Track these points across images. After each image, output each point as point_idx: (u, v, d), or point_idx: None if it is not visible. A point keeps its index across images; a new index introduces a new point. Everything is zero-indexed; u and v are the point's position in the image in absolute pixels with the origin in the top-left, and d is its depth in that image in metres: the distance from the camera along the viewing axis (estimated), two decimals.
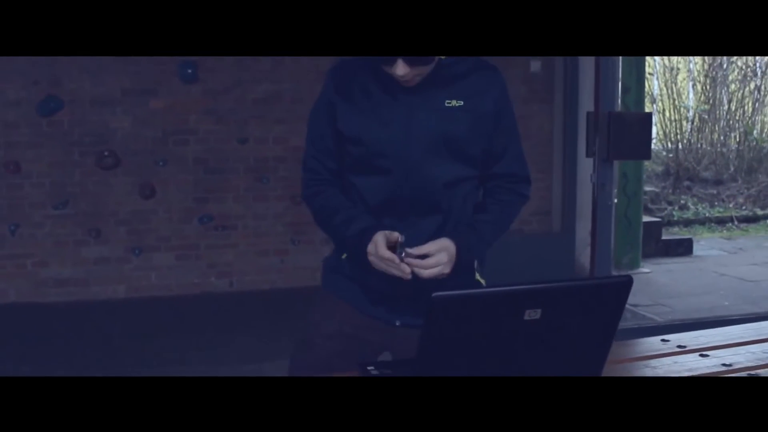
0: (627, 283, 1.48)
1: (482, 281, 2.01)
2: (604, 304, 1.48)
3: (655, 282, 6.41)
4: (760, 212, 9.35)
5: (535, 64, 6.36)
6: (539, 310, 1.41)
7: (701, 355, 1.94)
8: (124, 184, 5.80)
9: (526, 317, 1.41)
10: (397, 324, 1.99)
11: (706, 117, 10.09)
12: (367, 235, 1.85)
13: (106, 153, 5.73)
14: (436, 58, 1.85)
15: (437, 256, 1.80)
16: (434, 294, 1.34)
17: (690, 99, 10.38)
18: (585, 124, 5.68)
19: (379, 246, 1.81)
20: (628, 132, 3.80)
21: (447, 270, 1.81)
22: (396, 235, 1.82)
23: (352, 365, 1.80)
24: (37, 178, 5.65)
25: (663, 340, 2.06)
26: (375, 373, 1.70)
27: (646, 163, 7.63)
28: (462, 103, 1.90)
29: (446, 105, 1.90)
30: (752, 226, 9.05)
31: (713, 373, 1.81)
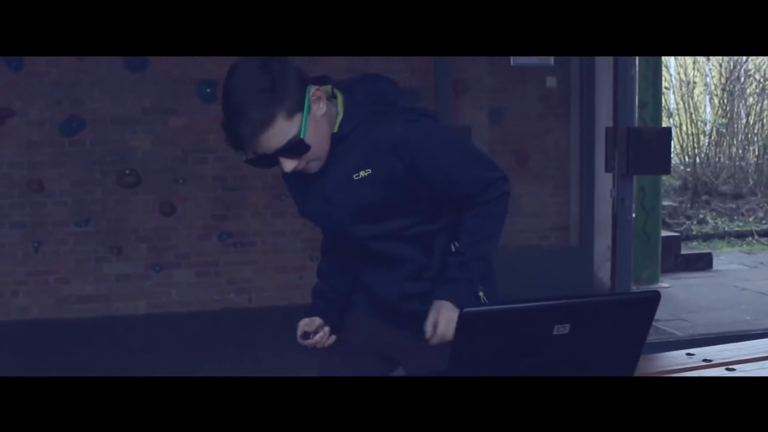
0: (655, 298, 1.49)
1: (480, 294, 1.97)
2: (632, 319, 1.50)
3: (675, 297, 6.38)
4: None
5: (551, 79, 6.38)
6: (568, 325, 1.42)
7: (727, 369, 1.93)
8: (144, 202, 5.85)
9: (555, 332, 1.42)
10: (407, 333, 2.01)
11: (724, 131, 10.06)
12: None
13: (127, 171, 5.79)
14: (310, 146, 1.78)
15: (439, 330, 1.86)
16: (464, 310, 1.36)
17: (707, 113, 10.36)
18: (602, 138, 5.69)
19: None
20: (647, 147, 3.80)
21: (452, 327, 1.78)
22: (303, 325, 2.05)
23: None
24: (59, 196, 5.72)
25: (688, 354, 2.05)
26: None
27: (664, 177, 7.62)
28: (369, 171, 1.85)
29: (354, 178, 1.85)
30: None
31: None
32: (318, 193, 1.91)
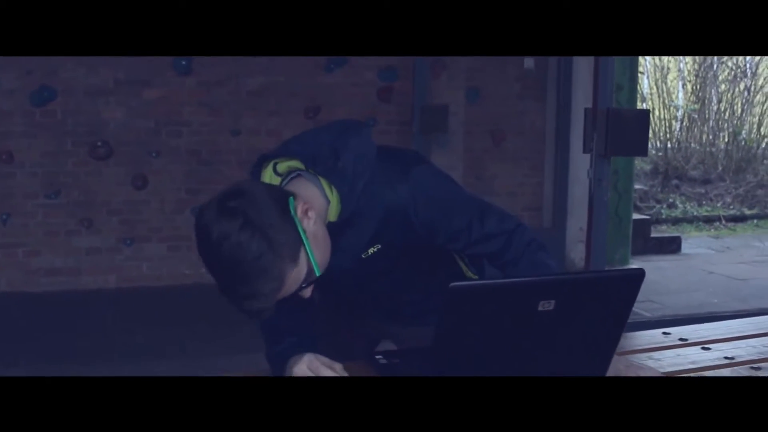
0: (639, 276, 1.50)
1: (474, 277, 1.93)
2: (616, 296, 1.50)
3: (645, 279, 6.44)
4: (747, 212, 9.44)
5: (529, 61, 6.40)
6: (553, 301, 1.42)
7: (703, 348, 1.96)
8: (116, 175, 5.78)
9: (540, 308, 1.42)
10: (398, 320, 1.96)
11: (696, 116, 10.17)
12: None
13: (99, 143, 5.71)
14: (322, 271, 1.55)
15: None
16: (451, 284, 1.35)
17: (680, 98, 10.46)
18: (578, 121, 5.72)
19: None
20: (625, 128, 3.83)
21: None
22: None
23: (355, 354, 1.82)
24: (29, 167, 5.63)
25: (664, 333, 2.08)
26: (383, 362, 1.71)
27: (636, 161, 7.69)
28: (379, 246, 1.68)
29: (363, 257, 1.69)
30: (739, 225, 9.13)
31: (716, 365, 1.83)
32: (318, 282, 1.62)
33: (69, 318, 5.13)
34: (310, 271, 1.52)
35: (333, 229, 1.61)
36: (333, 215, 1.62)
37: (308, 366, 1.59)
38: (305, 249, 1.50)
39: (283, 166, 1.64)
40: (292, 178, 1.60)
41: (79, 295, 5.65)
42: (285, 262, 1.46)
